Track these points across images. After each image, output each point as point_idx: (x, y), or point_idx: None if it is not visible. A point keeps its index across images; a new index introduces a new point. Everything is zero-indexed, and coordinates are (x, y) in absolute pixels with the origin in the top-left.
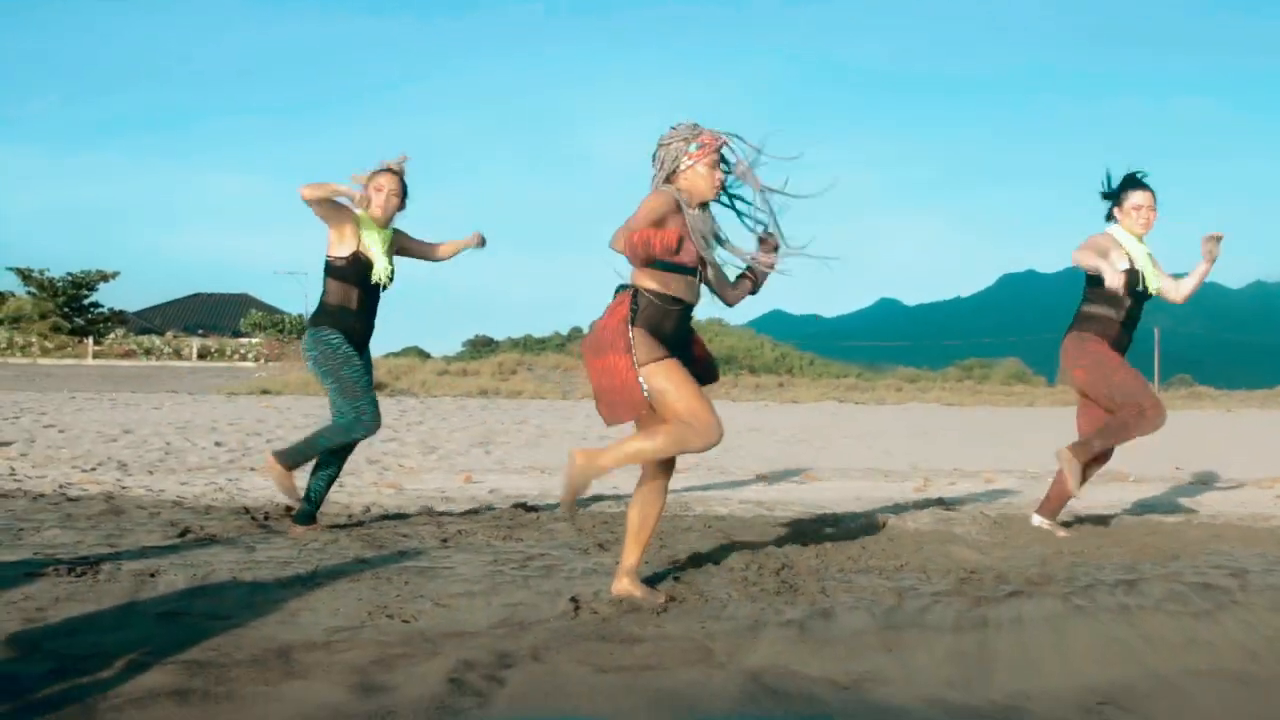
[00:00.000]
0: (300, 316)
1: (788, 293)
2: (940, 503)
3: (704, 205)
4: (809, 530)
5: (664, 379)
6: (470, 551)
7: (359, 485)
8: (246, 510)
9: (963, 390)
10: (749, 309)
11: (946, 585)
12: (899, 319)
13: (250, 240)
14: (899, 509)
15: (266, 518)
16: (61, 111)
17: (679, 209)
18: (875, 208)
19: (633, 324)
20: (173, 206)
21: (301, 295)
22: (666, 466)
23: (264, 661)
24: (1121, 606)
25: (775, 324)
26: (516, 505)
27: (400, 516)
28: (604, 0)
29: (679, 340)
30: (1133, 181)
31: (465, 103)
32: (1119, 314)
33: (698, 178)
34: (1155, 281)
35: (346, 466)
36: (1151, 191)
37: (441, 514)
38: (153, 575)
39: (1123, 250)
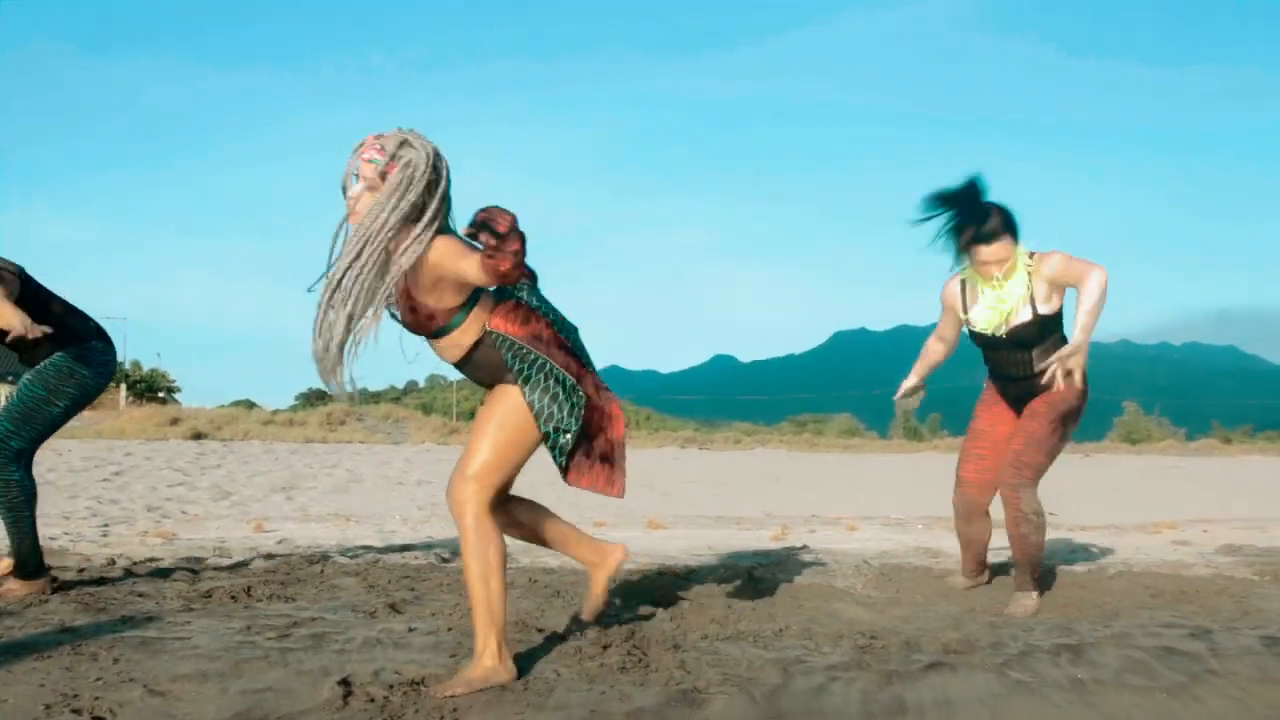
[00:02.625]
0: (122, 364)
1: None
2: (807, 551)
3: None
4: (660, 586)
5: None
6: (220, 616)
7: (124, 535)
8: None
9: (800, 444)
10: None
11: (843, 655)
12: (734, 375)
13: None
14: (763, 559)
15: None
16: None
17: None
18: (709, 263)
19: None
20: None
21: (121, 340)
22: None
23: None
24: (1072, 681)
25: (611, 379)
26: (297, 555)
27: (154, 572)
28: (448, 52)
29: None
30: (969, 237)
31: (298, 153)
32: (989, 364)
33: None
34: (1002, 321)
35: (117, 514)
36: (999, 241)
37: (203, 568)
38: None
39: (950, 308)
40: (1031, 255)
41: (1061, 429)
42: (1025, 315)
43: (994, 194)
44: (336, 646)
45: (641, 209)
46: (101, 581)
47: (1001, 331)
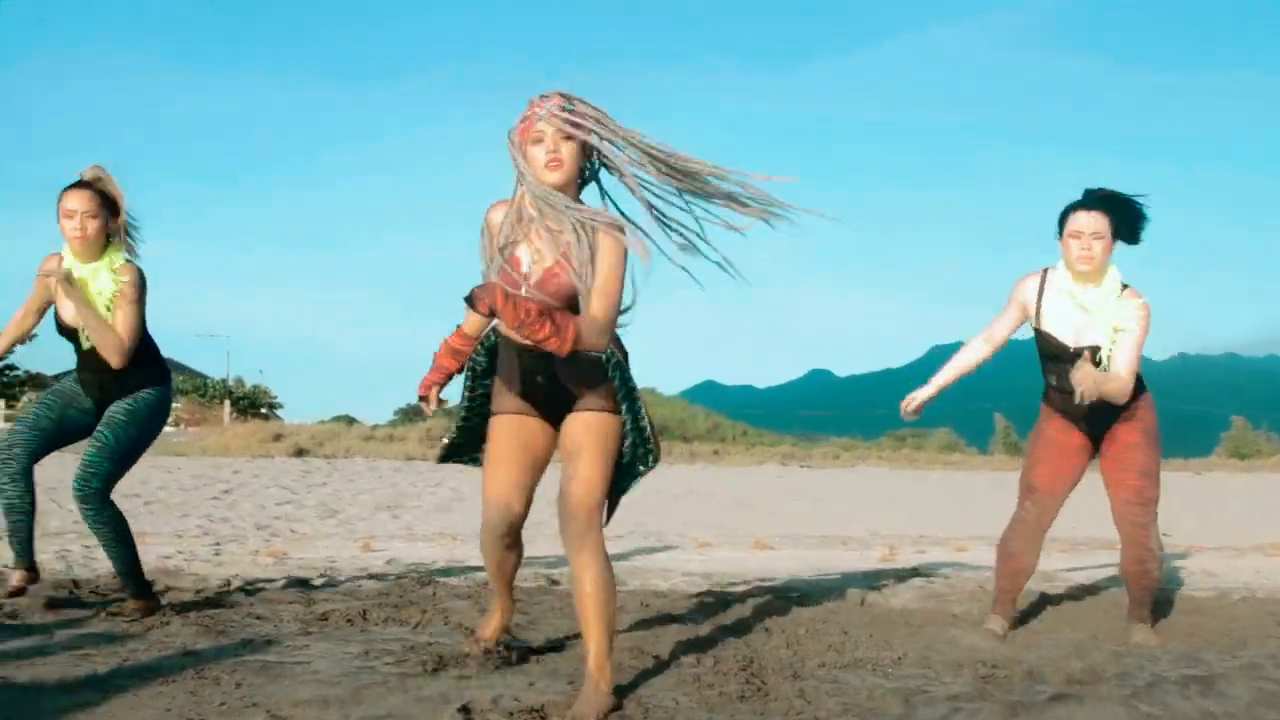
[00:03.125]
0: (223, 381)
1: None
2: (918, 574)
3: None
4: (773, 610)
5: (490, 436)
6: (337, 640)
7: (236, 554)
8: (75, 584)
9: (900, 460)
10: (681, 379)
11: (964, 685)
12: (831, 389)
13: (173, 304)
14: (873, 582)
15: (95, 592)
16: None
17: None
18: (803, 277)
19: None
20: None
21: (224, 357)
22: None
23: None
24: (1205, 715)
25: (708, 394)
26: (409, 577)
27: (269, 593)
28: (547, 66)
29: (543, 392)
30: (1074, 202)
31: (392, 167)
32: (1053, 379)
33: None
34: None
35: (228, 533)
36: (1100, 211)
37: (316, 589)
38: None
39: (1020, 303)
40: (1125, 287)
41: (1159, 451)
42: (1100, 337)
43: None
44: (454, 672)
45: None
46: (219, 603)
47: (1074, 342)
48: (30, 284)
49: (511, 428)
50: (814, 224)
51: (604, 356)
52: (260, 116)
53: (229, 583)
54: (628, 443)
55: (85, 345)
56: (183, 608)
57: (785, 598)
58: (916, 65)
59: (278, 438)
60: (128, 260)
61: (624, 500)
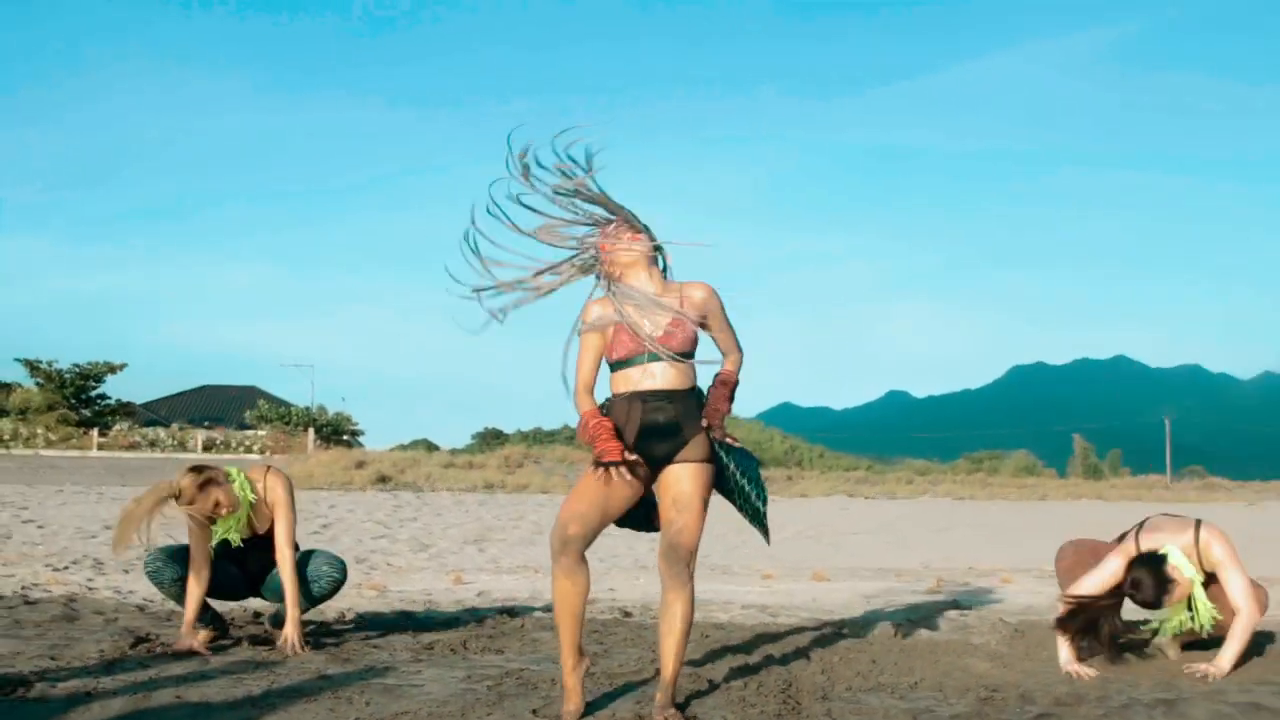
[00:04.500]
0: (307, 409)
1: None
2: (955, 606)
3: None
4: (815, 641)
5: (581, 479)
6: (444, 666)
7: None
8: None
9: (973, 483)
10: (758, 401)
11: (965, 706)
12: (909, 410)
13: (258, 331)
14: (912, 614)
15: (233, 623)
16: (69, 200)
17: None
18: (882, 300)
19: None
20: (181, 297)
21: (309, 386)
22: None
23: None
24: None
25: (785, 416)
26: (501, 611)
27: (376, 625)
28: (615, 90)
29: (658, 433)
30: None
31: (467, 194)
32: None
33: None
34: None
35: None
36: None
37: (420, 621)
38: (88, 695)
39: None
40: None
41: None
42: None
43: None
44: (542, 693)
45: (801, 246)
46: (338, 634)
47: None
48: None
49: (604, 481)
50: (893, 248)
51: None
52: (337, 139)
53: (343, 616)
54: (749, 481)
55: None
56: (311, 639)
57: (828, 630)
58: (989, 89)
59: (360, 465)
60: (269, 469)
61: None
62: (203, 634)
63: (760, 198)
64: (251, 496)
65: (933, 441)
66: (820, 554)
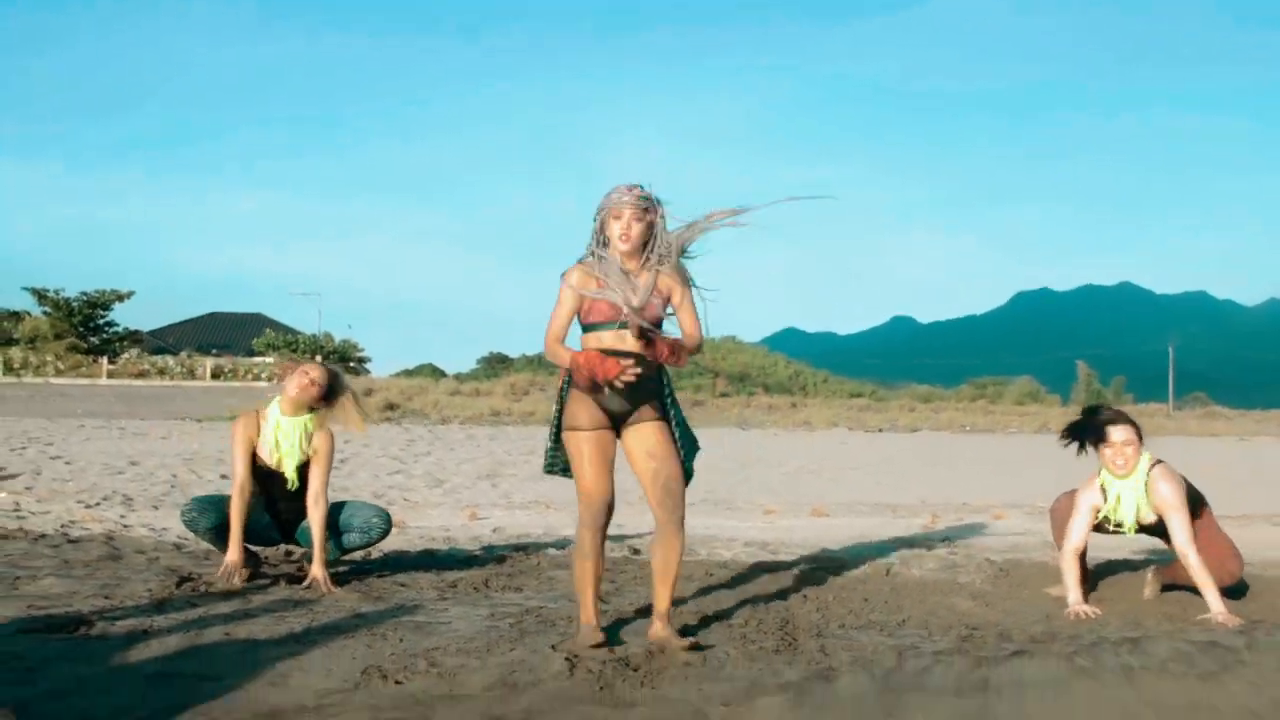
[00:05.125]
0: (314, 336)
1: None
2: (947, 543)
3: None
4: (811, 579)
5: (574, 447)
6: (468, 604)
7: None
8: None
9: (975, 410)
10: (762, 326)
11: (948, 643)
12: (913, 336)
13: (265, 258)
14: (906, 548)
15: (267, 560)
16: (75, 128)
17: (597, 270)
18: (888, 225)
19: (564, 393)
20: (187, 224)
21: (315, 314)
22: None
23: None
24: (1125, 668)
25: (789, 342)
26: (517, 549)
27: (401, 564)
28: (610, 20)
29: (627, 393)
30: (1100, 421)
31: (477, 121)
32: None
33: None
34: (1133, 521)
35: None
36: (1129, 424)
37: (441, 559)
38: (145, 633)
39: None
40: (1152, 467)
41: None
42: (1149, 518)
43: None
44: (560, 630)
45: (808, 173)
46: (367, 572)
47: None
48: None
49: (594, 441)
50: (900, 176)
51: (662, 377)
52: (351, 66)
53: (369, 554)
54: (677, 435)
55: (291, 487)
56: (342, 578)
57: (825, 567)
58: (998, 19)
59: (368, 393)
60: (323, 425)
61: (698, 469)
62: (242, 572)
63: (768, 125)
64: (311, 429)
65: (937, 367)
66: (820, 489)
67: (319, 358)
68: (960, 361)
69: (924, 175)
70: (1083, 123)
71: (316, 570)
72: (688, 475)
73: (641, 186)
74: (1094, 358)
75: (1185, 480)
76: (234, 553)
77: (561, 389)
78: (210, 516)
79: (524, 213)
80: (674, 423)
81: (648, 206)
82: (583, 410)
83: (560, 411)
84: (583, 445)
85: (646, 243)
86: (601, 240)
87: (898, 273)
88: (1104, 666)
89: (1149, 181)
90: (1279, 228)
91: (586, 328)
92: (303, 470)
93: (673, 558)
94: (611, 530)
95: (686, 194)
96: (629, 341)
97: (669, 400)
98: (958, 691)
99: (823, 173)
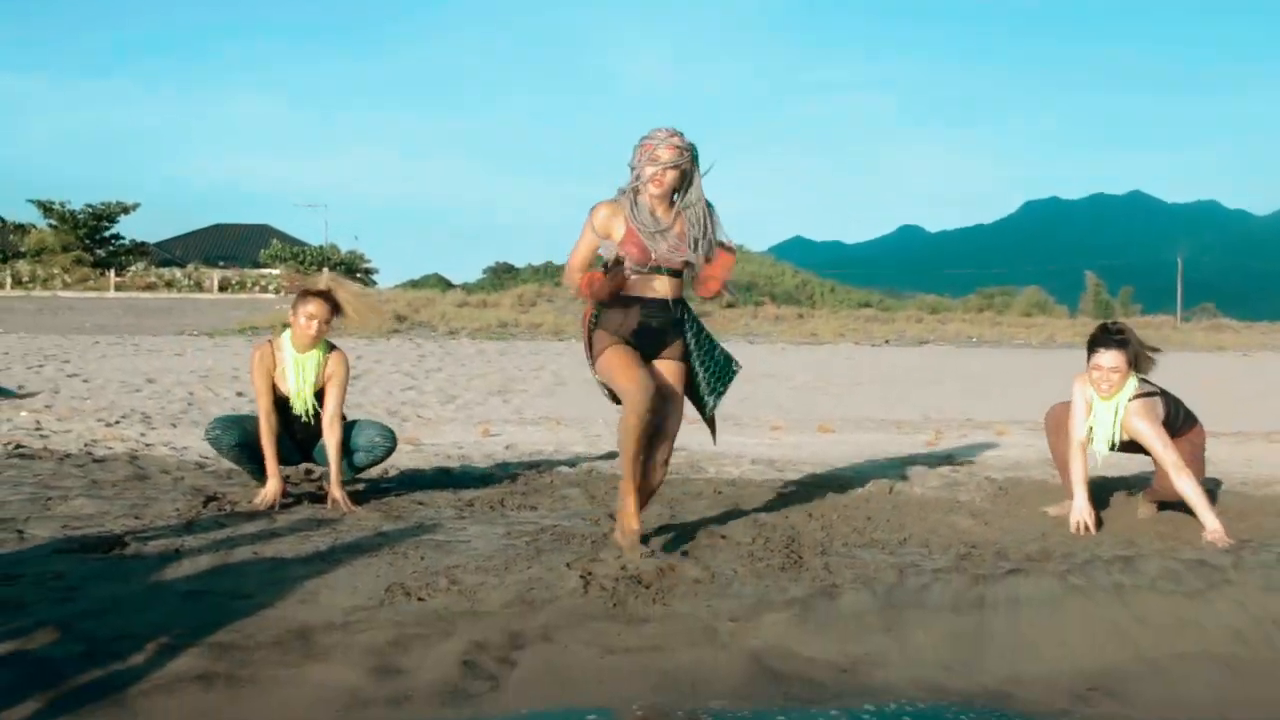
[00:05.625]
0: (320, 248)
1: (809, 219)
2: (949, 460)
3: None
4: (816, 497)
5: (606, 365)
6: (485, 522)
7: None
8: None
9: (983, 321)
10: (769, 234)
11: (947, 561)
12: (921, 245)
13: (271, 168)
14: (909, 466)
15: (288, 480)
16: (73, 36)
17: (627, 212)
18: (895, 132)
19: (594, 328)
20: (191, 133)
21: (322, 226)
22: (650, 441)
23: (284, 644)
24: (1116, 585)
25: (797, 251)
26: (530, 467)
27: (418, 482)
28: None
29: (649, 335)
30: (1095, 340)
31: (482, 22)
32: None
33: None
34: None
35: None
36: (1120, 351)
37: (458, 478)
38: (177, 552)
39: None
40: (1132, 399)
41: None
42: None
43: None
44: (574, 548)
45: (815, 75)
46: (385, 491)
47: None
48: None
49: (625, 349)
50: (909, 80)
51: (685, 314)
52: None
53: (386, 472)
54: (719, 352)
55: (305, 421)
56: (363, 497)
57: (830, 485)
58: None
59: None
60: (335, 348)
61: None
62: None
63: (772, 22)
64: (323, 358)
65: (945, 277)
66: (826, 405)
67: (326, 270)
68: (968, 271)
69: (933, 81)
70: (1095, 26)
71: (334, 490)
72: (711, 407)
73: (681, 134)
74: (1103, 268)
75: (1176, 401)
76: (273, 482)
77: (590, 320)
78: (234, 434)
79: (530, 120)
80: (702, 359)
81: (684, 153)
82: (607, 336)
83: (591, 340)
84: (611, 357)
85: (677, 190)
86: (636, 179)
87: (906, 182)
88: (1096, 584)
89: (1161, 88)
90: None
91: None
92: (320, 395)
93: (651, 484)
94: (613, 446)
95: (699, 99)
96: (657, 288)
97: (693, 337)
98: (955, 608)
99: (832, 75)
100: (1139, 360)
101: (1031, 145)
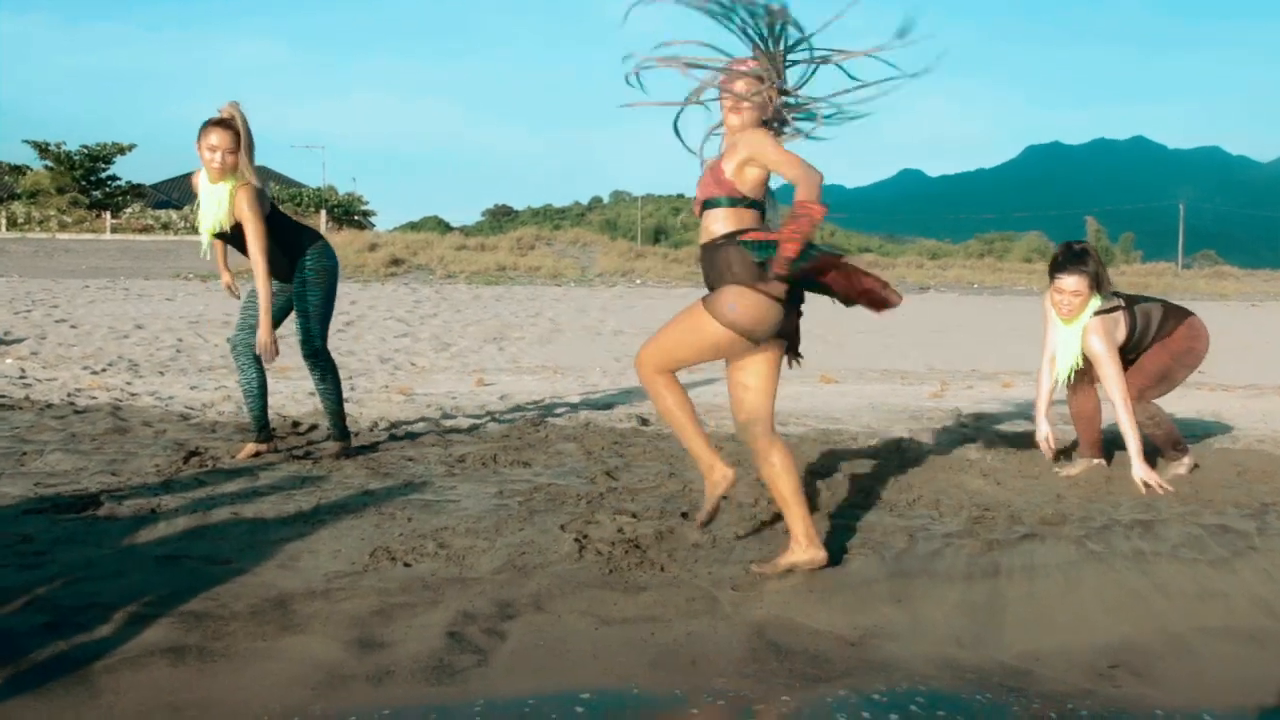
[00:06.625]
0: (318, 190)
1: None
2: (956, 414)
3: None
4: (822, 454)
5: (712, 334)
6: (476, 481)
7: (370, 388)
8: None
9: (983, 268)
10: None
11: (958, 525)
12: (922, 189)
13: (270, 110)
14: (915, 420)
15: (274, 433)
16: None
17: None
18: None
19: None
20: (188, 76)
21: (320, 168)
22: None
23: (262, 613)
24: (1136, 552)
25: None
26: (523, 419)
27: (409, 435)
28: None
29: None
30: (1055, 262)
31: None
32: None
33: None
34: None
35: (356, 367)
36: (1083, 276)
37: (449, 431)
38: (153, 513)
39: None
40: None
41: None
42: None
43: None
44: (569, 509)
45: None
46: (374, 446)
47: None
48: None
49: (736, 348)
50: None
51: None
52: None
53: (375, 425)
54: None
55: (205, 255)
56: (352, 450)
57: (834, 441)
58: None
59: (373, 247)
60: (245, 183)
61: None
62: (250, 447)
63: None
64: (233, 188)
65: (945, 222)
66: (827, 354)
67: (323, 211)
68: (969, 216)
69: (937, 25)
70: None
71: (262, 335)
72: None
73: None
74: (1105, 213)
75: (1148, 311)
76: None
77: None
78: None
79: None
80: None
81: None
82: (761, 322)
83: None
84: (722, 342)
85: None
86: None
87: (907, 125)
88: (1115, 551)
89: (1165, 32)
90: None
91: (753, 204)
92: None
93: (768, 474)
94: (617, 400)
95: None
96: (700, 232)
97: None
98: (968, 576)
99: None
100: (1100, 281)
101: (1034, 92)
